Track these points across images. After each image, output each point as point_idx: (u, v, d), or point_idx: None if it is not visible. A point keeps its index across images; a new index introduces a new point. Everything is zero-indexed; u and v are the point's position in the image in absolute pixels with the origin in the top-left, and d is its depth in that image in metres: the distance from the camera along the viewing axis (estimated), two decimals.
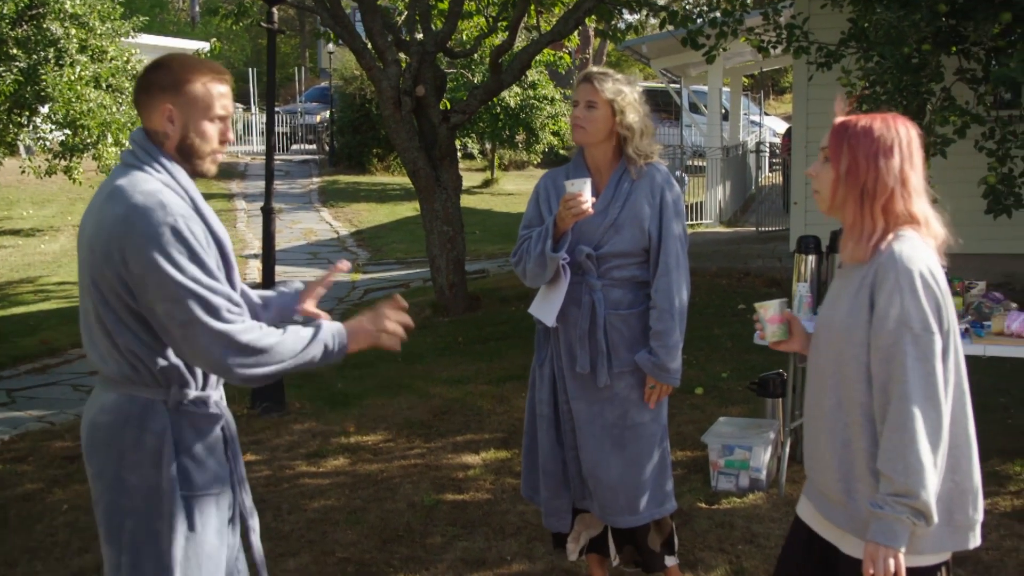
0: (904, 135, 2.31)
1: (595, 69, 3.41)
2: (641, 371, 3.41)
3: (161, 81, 2.43)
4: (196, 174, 2.50)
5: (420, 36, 9.55)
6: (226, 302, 2.34)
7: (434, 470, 5.38)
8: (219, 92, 2.47)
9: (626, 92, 3.36)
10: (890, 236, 2.29)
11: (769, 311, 2.59)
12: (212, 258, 2.38)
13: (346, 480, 5.28)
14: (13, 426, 6.78)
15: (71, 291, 12.10)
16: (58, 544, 4.55)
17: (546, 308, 3.42)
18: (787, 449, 4.97)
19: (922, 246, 2.28)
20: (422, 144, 9.46)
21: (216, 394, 2.54)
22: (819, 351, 2.44)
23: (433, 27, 9.85)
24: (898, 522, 2.20)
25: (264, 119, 27.81)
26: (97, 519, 2.50)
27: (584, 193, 3.22)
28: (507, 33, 9.74)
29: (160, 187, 2.37)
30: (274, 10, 6.60)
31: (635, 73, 3.60)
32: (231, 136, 2.55)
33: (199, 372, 2.47)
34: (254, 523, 2.62)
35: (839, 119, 2.37)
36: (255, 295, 2.78)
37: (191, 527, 2.43)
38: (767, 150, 21.86)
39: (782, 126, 24.09)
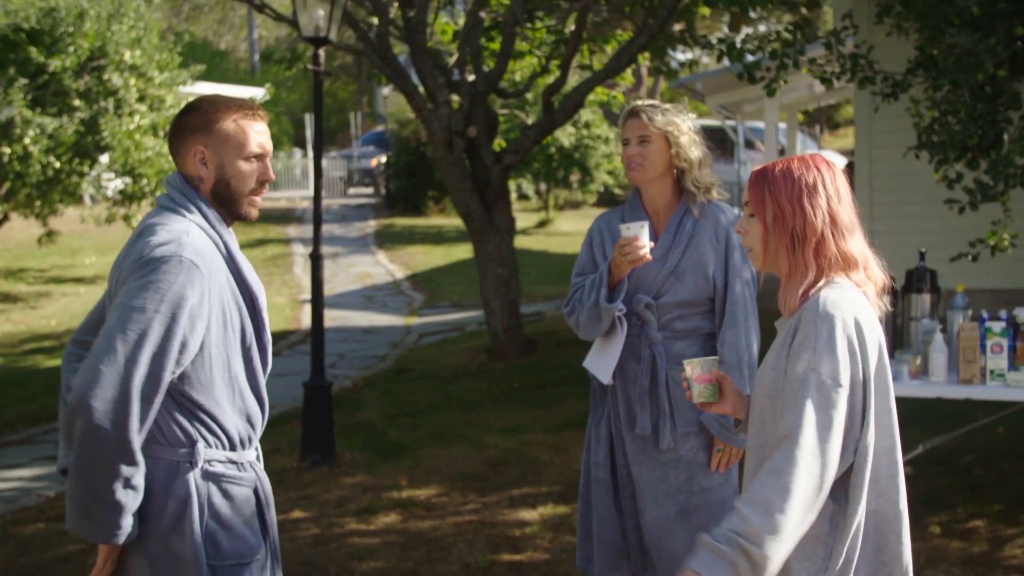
0: (827, 172, 2.15)
1: (641, 102, 3.17)
2: (708, 432, 3.13)
3: (192, 123, 2.32)
4: (236, 217, 2.36)
5: (471, 77, 9.43)
6: (153, 369, 2.14)
7: (489, 527, 5.13)
8: (255, 130, 2.33)
9: (678, 122, 3.12)
10: (820, 283, 2.11)
11: (697, 369, 2.33)
12: (209, 322, 2.22)
13: (397, 539, 5.05)
14: (61, 481, 6.67)
15: None
16: None
17: (601, 363, 3.16)
18: None
19: (853, 294, 2.10)
20: (475, 186, 9.30)
21: (248, 455, 2.36)
22: (753, 411, 2.22)
23: (485, 67, 9.73)
24: (732, 566, 1.94)
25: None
26: None
27: (641, 237, 2.98)
28: (559, 72, 9.58)
29: (190, 227, 2.25)
30: (320, 52, 6.50)
31: (690, 110, 3.34)
32: (271, 175, 2.38)
33: (228, 430, 2.29)
34: None
35: (756, 167, 2.19)
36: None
37: None
38: None
39: (841, 160, 23.67)
